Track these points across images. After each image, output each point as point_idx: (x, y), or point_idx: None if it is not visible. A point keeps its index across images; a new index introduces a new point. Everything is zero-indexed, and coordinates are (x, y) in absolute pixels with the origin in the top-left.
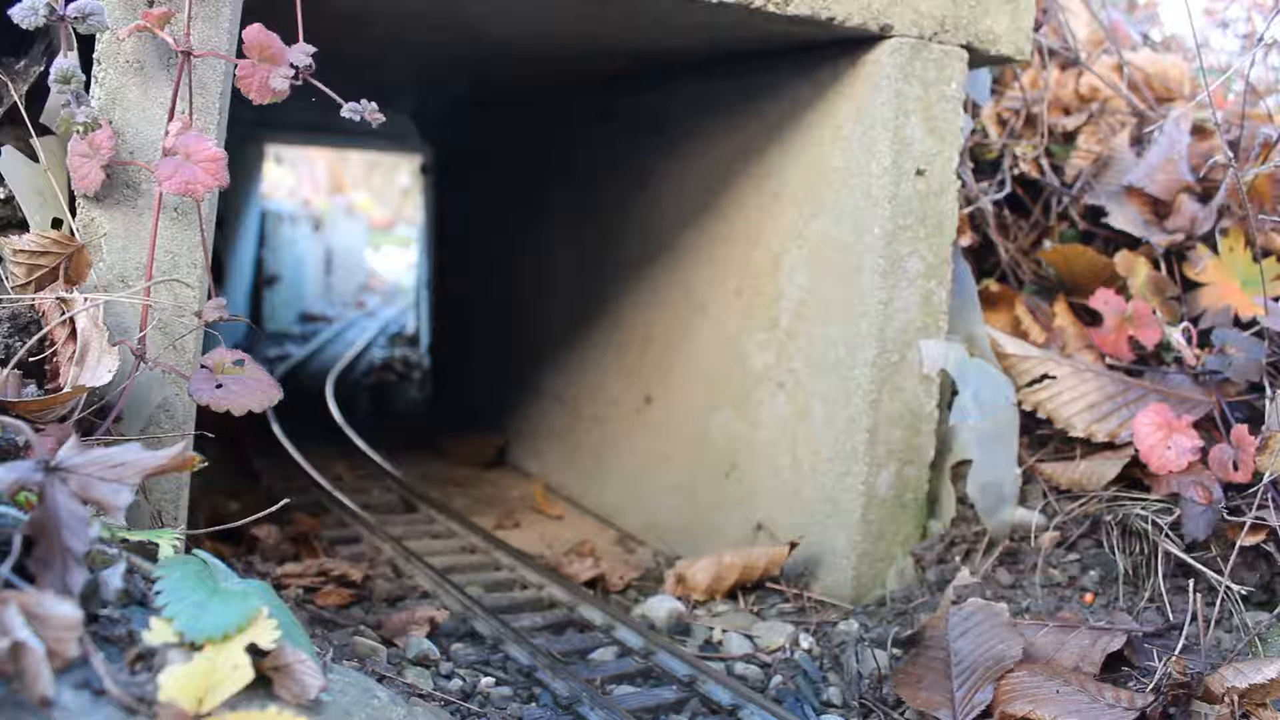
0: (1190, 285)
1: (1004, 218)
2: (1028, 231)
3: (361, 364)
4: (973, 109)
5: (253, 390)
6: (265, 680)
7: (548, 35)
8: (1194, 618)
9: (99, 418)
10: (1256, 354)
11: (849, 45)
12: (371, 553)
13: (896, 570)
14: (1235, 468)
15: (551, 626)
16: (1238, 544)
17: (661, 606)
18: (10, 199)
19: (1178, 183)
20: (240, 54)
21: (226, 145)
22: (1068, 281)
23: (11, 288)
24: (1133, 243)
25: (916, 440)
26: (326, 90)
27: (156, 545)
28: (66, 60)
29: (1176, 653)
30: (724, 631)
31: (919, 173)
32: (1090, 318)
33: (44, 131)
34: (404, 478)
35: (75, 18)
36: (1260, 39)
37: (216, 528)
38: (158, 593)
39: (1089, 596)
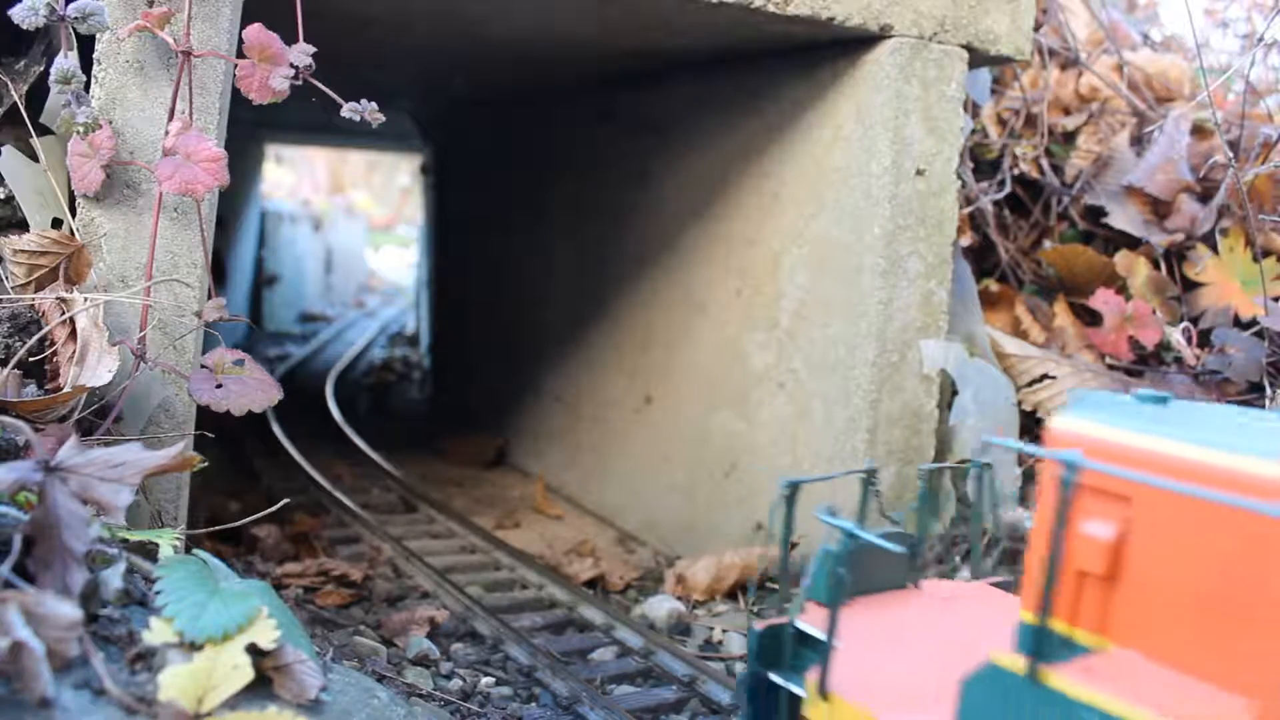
0: (1190, 285)
1: (1004, 218)
2: (1028, 231)
3: (361, 364)
4: (973, 109)
5: (253, 390)
6: (265, 680)
7: (547, 35)
8: None
9: (99, 418)
10: (1256, 354)
11: (849, 45)
12: (371, 553)
13: None
14: None
15: (551, 626)
16: None
17: (661, 606)
18: (10, 199)
19: (1178, 183)
20: (240, 54)
21: (226, 145)
22: (1068, 281)
23: (11, 288)
24: (1133, 243)
25: (916, 440)
26: (326, 90)
27: (156, 545)
28: (67, 60)
29: None
30: (724, 631)
31: (919, 173)
32: (1090, 318)
33: (44, 131)
34: (404, 478)
35: (75, 18)
36: (1260, 39)
37: (216, 528)
38: (158, 593)
39: None
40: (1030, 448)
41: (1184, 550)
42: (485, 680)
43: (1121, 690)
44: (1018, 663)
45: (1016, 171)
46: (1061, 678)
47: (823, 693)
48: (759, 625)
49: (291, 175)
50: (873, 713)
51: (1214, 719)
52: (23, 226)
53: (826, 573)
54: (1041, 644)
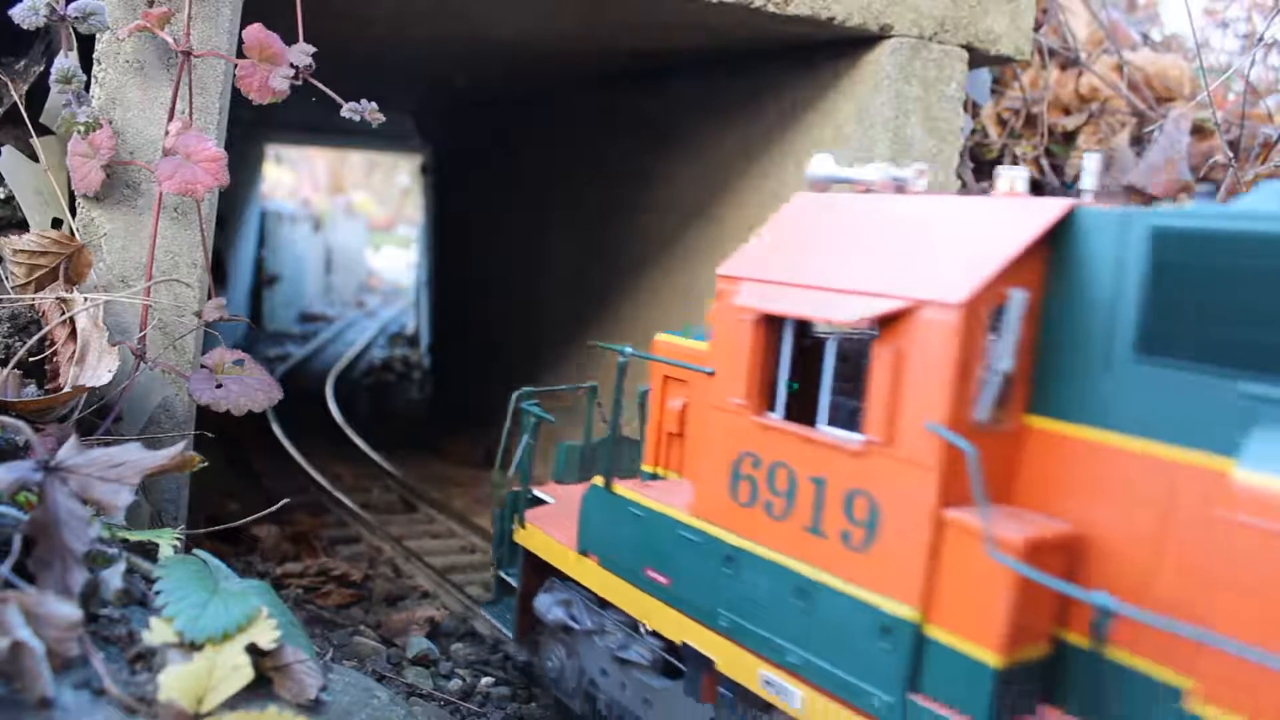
0: None
1: None
2: None
3: (361, 364)
4: (973, 109)
5: (253, 390)
6: (265, 680)
7: (548, 35)
8: None
9: (99, 418)
10: None
11: (849, 45)
12: (371, 553)
13: None
14: None
15: None
16: None
17: None
18: (10, 199)
19: (1178, 183)
20: (240, 54)
21: (227, 145)
22: None
23: (11, 288)
24: None
25: None
26: (326, 90)
27: (156, 545)
28: (67, 60)
29: None
30: None
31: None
32: None
33: (44, 131)
34: (404, 477)
35: (76, 18)
36: (1260, 39)
37: (216, 528)
38: (158, 593)
39: None
40: (616, 347)
41: (695, 406)
42: (485, 680)
43: (641, 490)
44: (602, 481)
45: None
46: (620, 488)
47: (521, 524)
48: (503, 492)
49: (291, 175)
50: (539, 526)
51: (669, 498)
52: (23, 226)
53: (560, 459)
54: (611, 471)
